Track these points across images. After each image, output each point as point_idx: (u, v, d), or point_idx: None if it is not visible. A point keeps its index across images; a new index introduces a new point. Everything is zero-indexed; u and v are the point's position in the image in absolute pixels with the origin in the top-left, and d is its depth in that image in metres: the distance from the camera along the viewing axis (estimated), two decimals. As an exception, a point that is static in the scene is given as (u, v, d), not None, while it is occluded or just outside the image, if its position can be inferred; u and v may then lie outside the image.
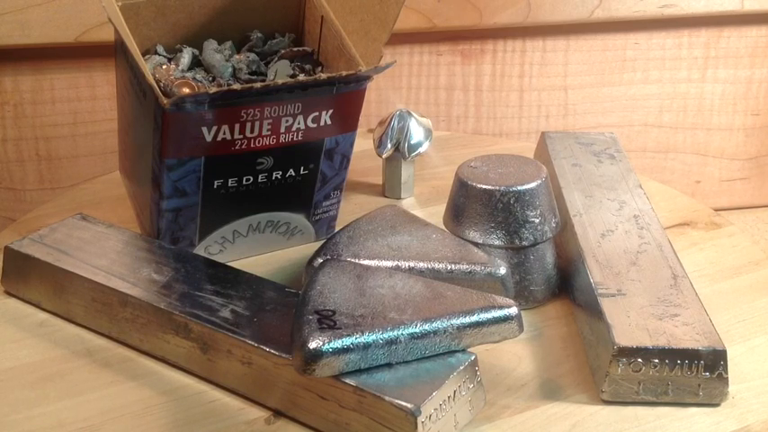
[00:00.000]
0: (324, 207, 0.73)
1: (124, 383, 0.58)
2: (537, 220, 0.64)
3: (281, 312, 0.58)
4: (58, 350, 0.62)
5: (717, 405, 0.56)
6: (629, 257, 0.64)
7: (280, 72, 0.72)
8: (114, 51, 0.72)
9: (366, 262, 0.61)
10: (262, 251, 0.73)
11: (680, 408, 0.56)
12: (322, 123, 0.67)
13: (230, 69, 0.72)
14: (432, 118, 1.05)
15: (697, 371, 0.55)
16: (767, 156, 1.18)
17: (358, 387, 0.51)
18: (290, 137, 0.67)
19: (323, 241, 0.65)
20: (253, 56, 0.73)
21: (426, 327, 0.53)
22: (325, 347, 0.50)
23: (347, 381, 0.51)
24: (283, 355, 0.54)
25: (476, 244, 0.64)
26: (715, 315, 0.59)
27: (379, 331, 0.52)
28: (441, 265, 0.62)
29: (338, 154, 0.70)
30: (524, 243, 0.64)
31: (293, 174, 0.69)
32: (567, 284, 0.67)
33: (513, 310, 0.55)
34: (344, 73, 0.64)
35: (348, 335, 0.51)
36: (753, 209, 1.20)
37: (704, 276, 0.69)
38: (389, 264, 0.62)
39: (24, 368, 0.60)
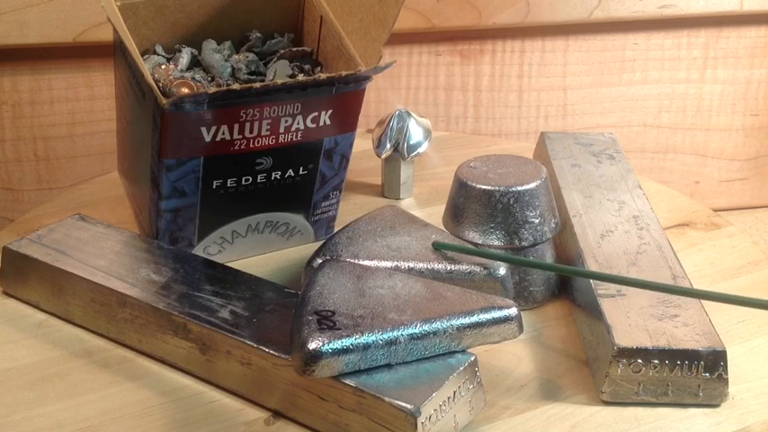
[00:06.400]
0: (323, 207, 0.73)
1: (123, 384, 0.58)
2: (536, 221, 0.64)
3: (281, 313, 0.58)
4: (56, 351, 0.61)
5: (717, 406, 0.56)
6: (629, 258, 0.64)
7: (279, 72, 0.72)
8: (113, 51, 0.72)
9: (365, 262, 0.61)
10: (261, 252, 0.73)
11: (680, 408, 0.56)
12: (321, 123, 0.67)
13: (229, 69, 0.72)
14: (431, 118, 1.05)
15: (697, 371, 0.55)
16: (766, 156, 1.18)
17: (357, 388, 0.51)
18: (290, 137, 0.67)
19: (322, 242, 0.65)
20: (252, 56, 0.73)
21: (426, 327, 0.52)
22: (324, 348, 0.50)
23: (347, 381, 0.51)
24: (283, 356, 0.54)
25: (475, 244, 0.64)
26: (715, 315, 0.59)
27: (378, 332, 0.51)
28: (440, 266, 0.62)
29: (337, 154, 0.70)
30: (524, 243, 0.64)
31: (292, 174, 0.69)
32: (566, 285, 0.67)
33: (513, 311, 0.54)
34: (344, 73, 0.64)
35: (348, 335, 0.51)
36: (752, 209, 1.20)
37: (704, 277, 0.69)
38: (389, 264, 0.61)
39: (23, 369, 0.60)
